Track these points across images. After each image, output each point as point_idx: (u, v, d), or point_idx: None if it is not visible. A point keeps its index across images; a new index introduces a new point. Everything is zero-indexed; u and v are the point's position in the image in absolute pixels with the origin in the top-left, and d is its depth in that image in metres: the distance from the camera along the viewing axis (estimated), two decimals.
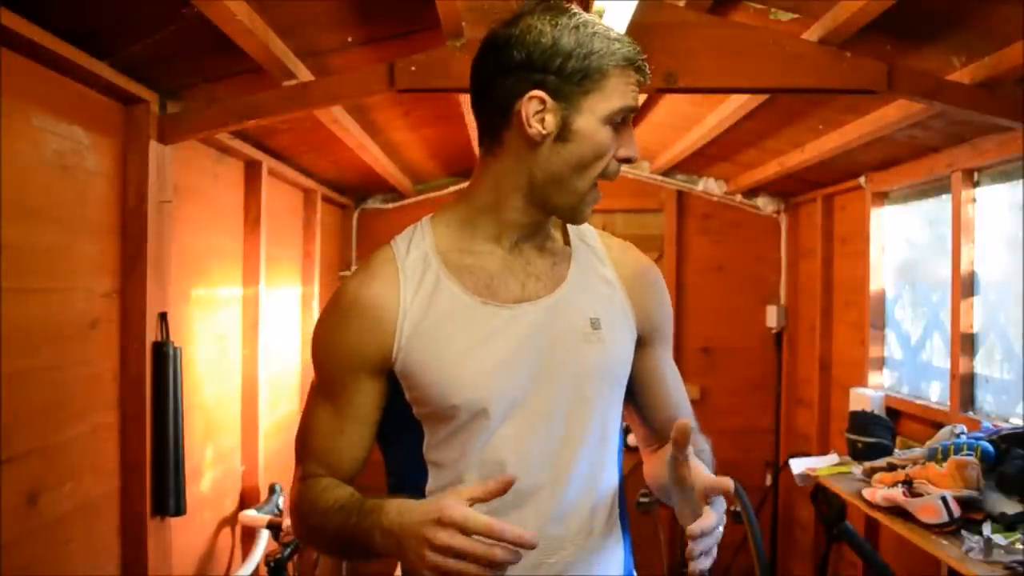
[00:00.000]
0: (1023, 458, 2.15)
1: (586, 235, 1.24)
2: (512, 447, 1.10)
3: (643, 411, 1.27)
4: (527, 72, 1.07)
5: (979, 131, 2.60)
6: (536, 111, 1.07)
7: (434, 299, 1.12)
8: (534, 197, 1.12)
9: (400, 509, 0.99)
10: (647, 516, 3.10)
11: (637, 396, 1.25)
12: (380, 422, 1.16)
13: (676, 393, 1.27)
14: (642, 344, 1.22)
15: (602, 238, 1.26)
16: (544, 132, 1.07)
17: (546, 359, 1.12)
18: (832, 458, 3.02)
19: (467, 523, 0.93)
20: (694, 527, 0.98)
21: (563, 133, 1.08)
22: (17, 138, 1.64)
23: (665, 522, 3.67)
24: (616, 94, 1.08)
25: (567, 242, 1.22)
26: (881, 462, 2.58)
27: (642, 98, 1.11)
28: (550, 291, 1.15)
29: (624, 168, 1.15)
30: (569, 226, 1.22)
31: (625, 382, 1.21)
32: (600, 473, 1.17)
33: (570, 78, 1.07)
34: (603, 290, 1.19)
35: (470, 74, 1.14)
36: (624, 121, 1.10)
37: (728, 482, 1.00)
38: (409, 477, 1.15)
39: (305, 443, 1.17)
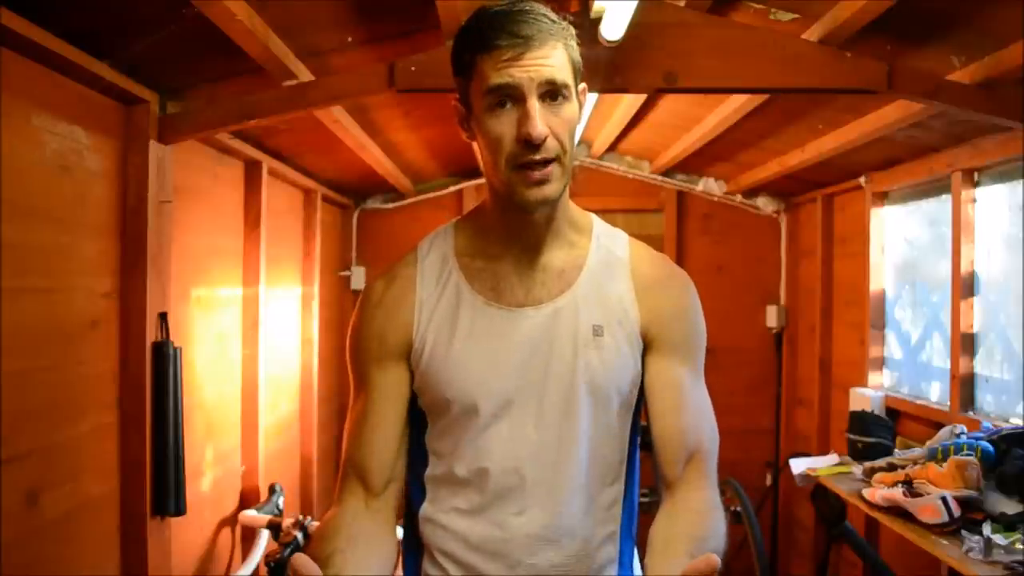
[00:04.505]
0: (1023, 458, 2.15)
1: (616, 244, 1.22)
2: (500, 444, 1.13)
3: (652, 431, 1.20)
4: (455, 82, 1.13)
5: (979, 131, 2.60)
6: (459, 121, 1.14)
7: (445, 298, 1.17)
8: (494, 192, 1.16)
9: None
10: (648, 516, 3.11)
11: (648, 413, 1.22)
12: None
13: (685, 416, 1.14)
14: (655, 359, 1.18)
15: (633, 248, 1.23)
16: (466, 136, 1.14)
17: (543, 363, 1.13)
18: (832, 458, 3.02)
19: None
20: None
21: (474, 132, 1.12)
22: (17, 138, 1.64)
23: None
24: (486, 78, 1.05)
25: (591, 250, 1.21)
26: (881, 462, 2.58)
27: (530, 69, 1.04)
28: (554, 297, 1.16)
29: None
30: (599, 234, 1.22)
31: (631, 394, 1.19)
32: (596, 483, 1.16)
33: (460, 77, 1.11)
34: (613, 298, 1.17)
35: None
36: (516, 100, 1.05)
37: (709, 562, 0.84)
38: (414, 463, 1.19)
39: (344, 450, 1.19)
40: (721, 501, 1.13)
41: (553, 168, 1.07)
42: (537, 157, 1.05)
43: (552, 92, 1.06)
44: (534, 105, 1.04)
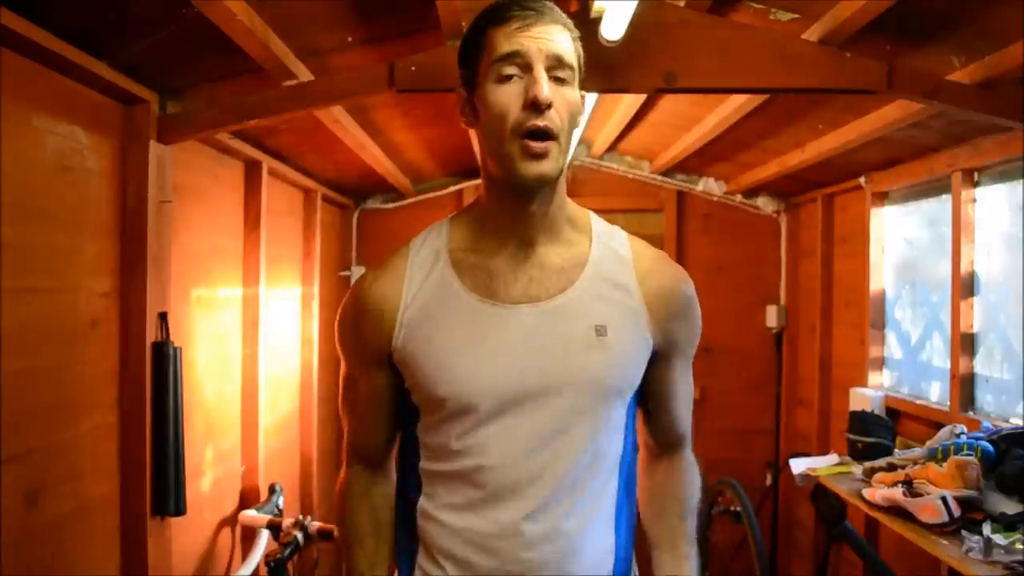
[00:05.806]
0: (1023, 458, 2.15)
1: (616, 241, 1.22)
2: (495, 442, 1.13)
3: (647, 417, 1.30)
4: (459, 72, 1.17)
5: (979, 131, 2.60)
6: (461, 107, 1.17)
7: (436, 294, 1.16)
8: (490, 179, 1.17)
9: None
10: None
11: (645, 402, 1.27)
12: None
13: (680, 406, 1.30)
14: (658, 357, 1.21)
15: (633, 245, 1.23)
16: (466, 121, 1.16)
17: (542, 361, 1.13)
18: (832, 458, 3.02)
19: None
20: None
21: (477, 114, 1.13)
22: (17, 138, 1.64)
23: None
24: (496, 47, 1.09)
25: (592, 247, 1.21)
26: (881, 462, 2.58)
27: (539, 40, 1.03)
28: (553, 295, 1.15)
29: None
30: (599, 231, 1.22)
31: (631, 391, 1.20)
32: (592, 479, 1.16)
33: (465, 61, 1.14)
34: (617, 298, 1.17)
35: None
36: (524, 69, 1.08)
37: None
38: (408, 456, 1.23)
39: (345, 425, 1.31)
40: (706, 483, 1.28)
41: (552, 145, 1.08)
42: (541, 123, 1.06)
43: (558, 69, 1.09)
44: (541, 72, 1.07)
